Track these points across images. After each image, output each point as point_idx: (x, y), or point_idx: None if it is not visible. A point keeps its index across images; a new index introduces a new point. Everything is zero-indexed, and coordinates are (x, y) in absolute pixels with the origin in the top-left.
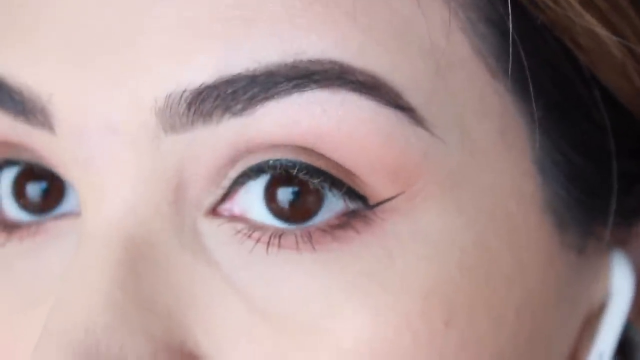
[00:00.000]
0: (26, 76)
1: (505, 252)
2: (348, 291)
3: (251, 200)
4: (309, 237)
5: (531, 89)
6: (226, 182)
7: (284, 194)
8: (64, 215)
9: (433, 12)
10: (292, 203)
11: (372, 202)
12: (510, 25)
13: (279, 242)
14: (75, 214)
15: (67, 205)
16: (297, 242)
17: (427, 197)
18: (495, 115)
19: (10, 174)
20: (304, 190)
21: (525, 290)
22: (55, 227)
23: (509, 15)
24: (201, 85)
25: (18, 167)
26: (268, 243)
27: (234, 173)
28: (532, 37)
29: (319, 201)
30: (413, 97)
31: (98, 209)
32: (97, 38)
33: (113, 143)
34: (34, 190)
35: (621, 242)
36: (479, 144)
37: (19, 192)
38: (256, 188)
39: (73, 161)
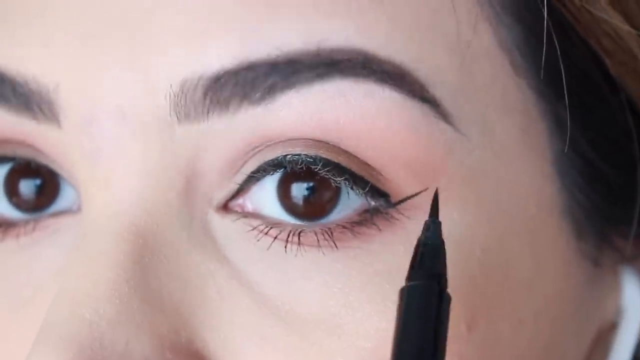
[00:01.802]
0: (31, 66)
1: (525, 255)
2: (368, 291)
3: (264, 196)
4: (330, 234)
5: (565, 86)
6: (240, 177)
7: (298, 190)
8: (60, 213)
9: (460, 5)
10: (307, 199)
11: (394, 199)
12: (545, 21)
13: (299, 239)
14: (72, 211)
15: (62, 203)
16: (317, 240)
17: (449, 194)
18: (516, 113)
19: (2, 170)
20: (320, 186)
21: (544, 297)
22: (53, 224)
23: (534, 9)
24: (220, 70)
25: (11, 164)
26: (287, 240)
27: (249, 167)
28: (558, 35)
29: (336, 197)
30: (438, 90)
31: (104, 200)
32: (106, 21)
33: (122, 132)
34: (27, 187)
35: (633, 257)
36: (500, 142)
37: (11, 190)
38: (270, 183)
39: (78, 154)
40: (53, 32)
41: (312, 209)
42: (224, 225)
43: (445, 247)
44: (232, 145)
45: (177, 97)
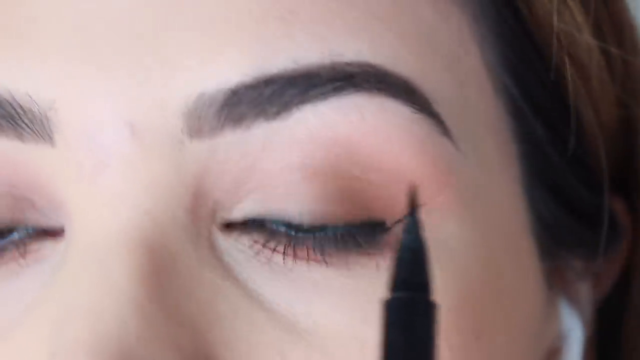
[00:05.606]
0: (23, 83)
1: (510, 272)
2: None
3: None
4: (338, 251)
5: (540, 108)
6: (239, 213)
7: None
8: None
9: (452, 23)
10: None
11: (389, 223)
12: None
13: (307, 255)
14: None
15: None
16: (310, 252)
17: (448, 210)
18: (496, 133)
19: None
20: None
21: (524, 315)
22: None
23: (517, 32)
24: (238, 84)
25: None
26: (296, 257)
27: (249, 210)
28: (530, 58)
29: None
30: (439, 106)
31: (108, 216)
32: (109, 36)
33: (130, 149)
34: None
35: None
36: (486, 160)
37: None
38: None
39: (74, 172)
40: (47, 46)
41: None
42: (229, 245)
43: (447, 262)
44: (241, 163)
45: (191, 112)
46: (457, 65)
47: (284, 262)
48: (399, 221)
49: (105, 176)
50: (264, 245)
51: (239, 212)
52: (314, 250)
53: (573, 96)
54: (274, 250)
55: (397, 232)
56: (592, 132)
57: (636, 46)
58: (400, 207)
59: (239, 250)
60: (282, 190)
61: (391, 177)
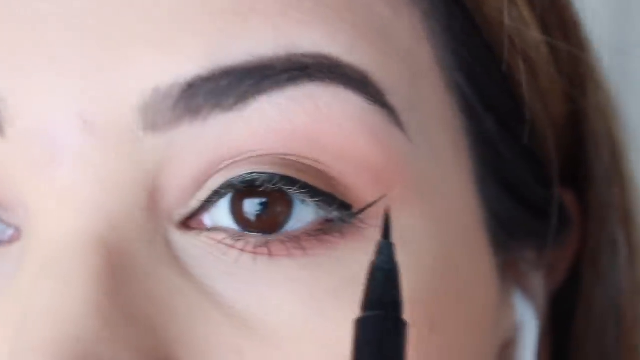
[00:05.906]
0: None
1: (465, 266)
2: (336, 297)
3: (219, 213)
4: (298, 241)
5: (492, 104)
6: (203, 194)
7: (251, 206)
8: None
9: (405, 19)
10: (260, 215)
11: (355, 208)
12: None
13: (268, 250)
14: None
15: None
16: (287, 248)
17: (403, 202)
18: (449, 129)
19: None
20: (271, 201)
21: (480, 307)
22: None
23: (469, 31)
24: (194, 77)
25: None
26: (254, 252)
27: (214, 183)
28: (480, 55)
29: (288, 209)
30: (393, 98)
31: (64, 212)
32: (60, 27)
33: (83, 143)
34: None
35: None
36: (439, 154)
37: None
38: (223, 200)
39: (25, 164)
40: None
41: (267, 224)
42: (185, 242)
43: (403, 255)
44: (199, 158)
45: (147, 106)
46: (410, 60)
47: (239, 258)
48: (363, 209)
49: (60, 171)
50: (220, 242)
51: (196, 202)
52: (270, 243)
53: (523, 91)
54: (230, 246)
55: (360, 221)
56: (541, 126)
57: (581, 42)
58: (362, 195)
59: (195, 247)
60: (246, 169)
61: (350, 165)
